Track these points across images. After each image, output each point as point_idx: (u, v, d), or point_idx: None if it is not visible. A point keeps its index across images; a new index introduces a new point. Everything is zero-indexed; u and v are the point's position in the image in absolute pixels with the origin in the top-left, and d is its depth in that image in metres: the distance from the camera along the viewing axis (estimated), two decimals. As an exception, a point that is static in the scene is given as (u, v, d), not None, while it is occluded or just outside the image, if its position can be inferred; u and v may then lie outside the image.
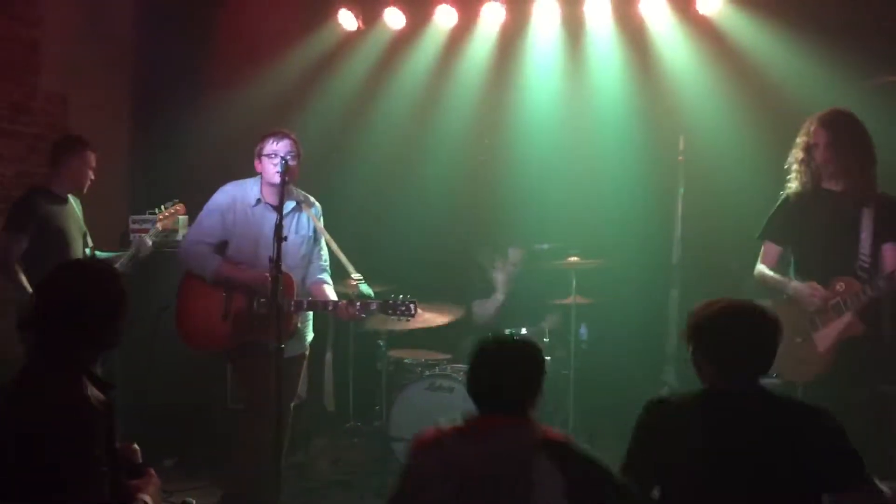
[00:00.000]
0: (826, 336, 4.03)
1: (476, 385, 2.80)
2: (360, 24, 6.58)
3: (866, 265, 4.01)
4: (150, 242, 5.10)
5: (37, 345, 2.58)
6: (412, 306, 4.45)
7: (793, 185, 4.22)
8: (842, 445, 2.67)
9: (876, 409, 4.12)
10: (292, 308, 4.37)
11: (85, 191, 5.08)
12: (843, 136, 4.06)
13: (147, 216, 5.82)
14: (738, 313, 2.81)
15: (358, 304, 4.45)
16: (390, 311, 4.47)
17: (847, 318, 3.97)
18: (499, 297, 6.19)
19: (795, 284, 4.14)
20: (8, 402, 2.50)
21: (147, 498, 2.63)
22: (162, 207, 5.25)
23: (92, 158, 5.03)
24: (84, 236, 5.13)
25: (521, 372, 2.79)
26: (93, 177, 5.06)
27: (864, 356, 3.98)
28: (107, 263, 2.93)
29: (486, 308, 6.20)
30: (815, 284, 4.06)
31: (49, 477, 2.38)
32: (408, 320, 4.55)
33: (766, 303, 5.22)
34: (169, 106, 6.49)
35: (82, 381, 2.51)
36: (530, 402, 2.76)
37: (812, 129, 4.13)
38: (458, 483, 2.64)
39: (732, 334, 2.78)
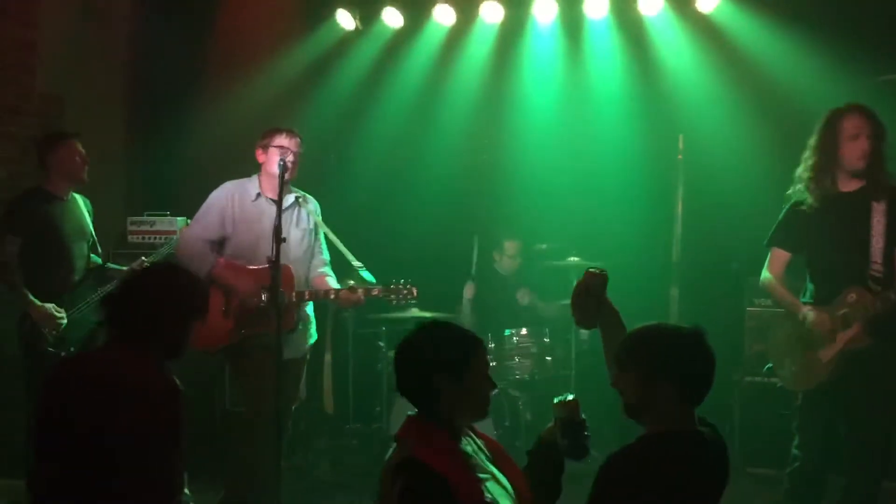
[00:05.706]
0: (831, 347, 3.94)
1: None
2: (358, 24, 6.57)
3: (879, 274, 3.88)
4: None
5: (117, 333, 2.71)
6: (413, 290, 4.47)
7: (804, 189, 4.07)
8: None
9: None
10: (293, 299, 4.36)
11: (84, 178, 4.97)
12: (881, 127, 3.93)
13: (145, 218, 5.83)
14: (695, 336, 2.55)
15: (359, 290, 4.45)
16: (392, 296, 4.49)
17: (854, 330, 3.87)
18: (467, 292, 6.17)
19: (807, 312, 4.02)
20: (99, 383, 2.59)
21: (186, 490, 2.75)
22: None
23: (77, 147, 4.94)
24: (90, 242, 5.06)
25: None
26: (87, 163, 4.94)
27: (872, 370, 3.85)
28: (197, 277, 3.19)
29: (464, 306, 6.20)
30: (825, 317, 3.95)
31: (140, 461, 2.50)
32: (410, 305, 4.55)
33: (766, 302, 5.19)
34: (166, 107, 6.46)
35: (166, 370, 2.64)
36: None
37: (853, 120, 3.93)
38: None
39: (707, 356, 2.52)
